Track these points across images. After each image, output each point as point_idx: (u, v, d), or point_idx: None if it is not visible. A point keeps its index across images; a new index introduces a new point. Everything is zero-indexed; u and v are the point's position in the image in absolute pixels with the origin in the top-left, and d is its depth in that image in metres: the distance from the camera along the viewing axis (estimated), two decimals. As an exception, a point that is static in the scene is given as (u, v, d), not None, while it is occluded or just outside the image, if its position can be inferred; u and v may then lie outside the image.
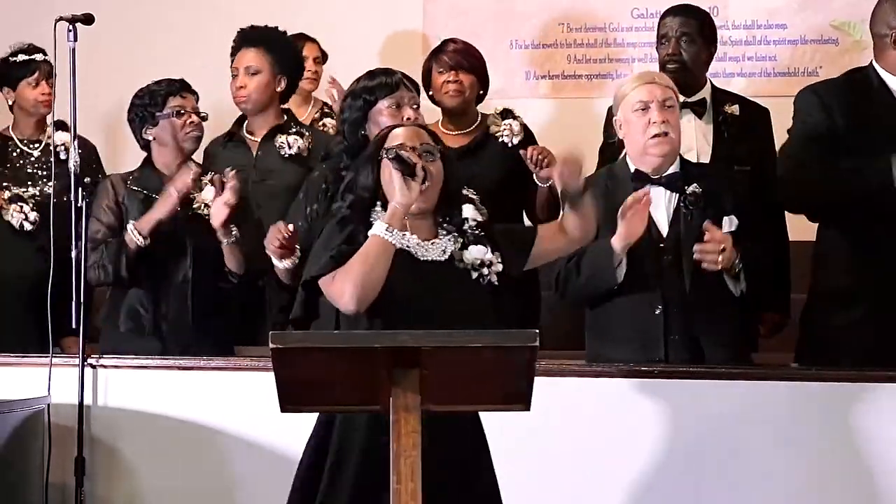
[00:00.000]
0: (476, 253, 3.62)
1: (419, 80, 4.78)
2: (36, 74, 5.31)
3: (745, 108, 4.99)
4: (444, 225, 3.67)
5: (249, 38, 5.17)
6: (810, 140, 4.33)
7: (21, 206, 4.85)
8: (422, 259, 3.59)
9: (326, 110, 5.83)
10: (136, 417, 4.36)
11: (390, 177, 3.56)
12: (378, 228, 3.51)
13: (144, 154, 4.77)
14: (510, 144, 5.07)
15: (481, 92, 5.23)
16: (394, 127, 3.79)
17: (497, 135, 5.10)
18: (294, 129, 5.12)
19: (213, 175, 4.57)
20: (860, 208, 4.22)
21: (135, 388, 4.38)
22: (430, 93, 5.19)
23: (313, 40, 5.94)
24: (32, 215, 4.84)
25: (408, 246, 3.58)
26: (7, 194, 4.91)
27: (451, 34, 6.14)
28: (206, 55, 5.68)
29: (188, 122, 4.64)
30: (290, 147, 5.04)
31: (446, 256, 3.62)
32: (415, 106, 4.31)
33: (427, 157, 3.61)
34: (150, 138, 4.68)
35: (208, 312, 4.62)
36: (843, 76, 4.56)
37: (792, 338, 4.66)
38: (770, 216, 4.64)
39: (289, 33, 5.60)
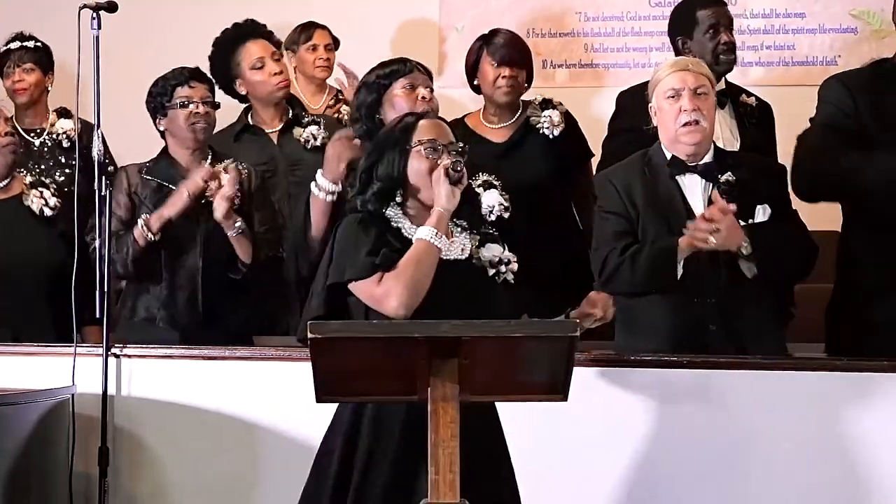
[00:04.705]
0: (493, 251, 3.63)
1: (437, 70, 4.75)
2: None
3: (757, 99, 5.03)
4: (457, 221, 3.65)
5: (253, 30, 5.17)
6: (831, 129, 4.29)
7: (41, 192, 4.81)
8: (444, 258, 3.56)
9: (340, 97, 5.81)
10: (159, 407, 4.34)
11: (423, 170, 3.56)
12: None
13: (157, 142, 4.76)
14: (551, 136, 5.01)
15: (526, 85, 5.15)
16: (418, 116, 3.75)
17: (538, 126, 5.01)
18: (310, 120, 5.14)
19: (217, 167, 4.52)
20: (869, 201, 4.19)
21: (159, 377, 4.36)
22: (476, 82, 5.10)
23: (324, 27, 5.89)
24: (52, 201, 4.79)
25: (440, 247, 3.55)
26: (29, 179, 4.87)
27: (467, 23, 6.15)
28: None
29: (193, 112, 4.59)
30: (315, 139, 5.05)
31: (466, 254, 3.62)
32: (428, 88, 4.31)
33: (459, 157, 3.58)
34: (163, 129, 4.66)
35: (220, 302, 4.60)
36: (870, 66, 4.52)
37: (804, 329, 4.65)
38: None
39: (300, 21, 5.63)
